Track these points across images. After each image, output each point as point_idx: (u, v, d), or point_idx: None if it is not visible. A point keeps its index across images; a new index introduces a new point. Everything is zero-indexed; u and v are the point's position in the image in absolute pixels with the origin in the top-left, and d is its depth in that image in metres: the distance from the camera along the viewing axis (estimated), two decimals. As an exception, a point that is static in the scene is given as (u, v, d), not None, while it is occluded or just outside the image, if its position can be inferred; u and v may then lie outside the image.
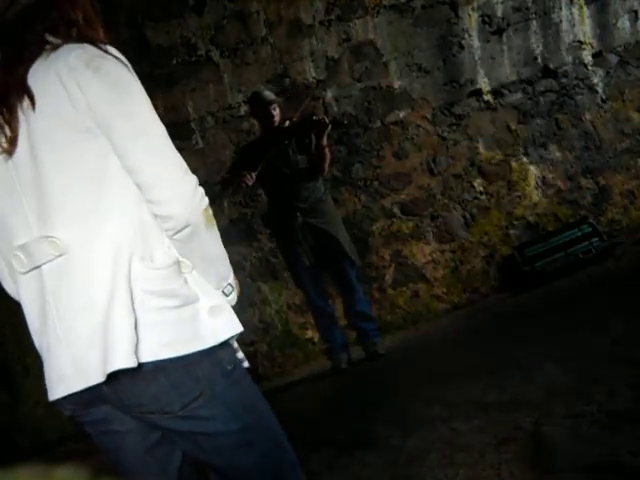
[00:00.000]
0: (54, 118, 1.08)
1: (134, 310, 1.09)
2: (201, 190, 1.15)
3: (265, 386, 4.13)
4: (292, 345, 4.75)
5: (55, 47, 1.11)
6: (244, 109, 4.70)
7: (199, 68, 4.65)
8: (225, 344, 1.19)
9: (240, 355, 1.28)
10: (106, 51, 1.12)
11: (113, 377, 1.08)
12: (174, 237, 1.14)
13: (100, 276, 1.09)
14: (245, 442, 1.18)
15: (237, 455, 1.18)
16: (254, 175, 3.82)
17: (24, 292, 1.17)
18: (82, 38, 1.14)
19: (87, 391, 1.12)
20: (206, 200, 1.16)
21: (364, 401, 3.31)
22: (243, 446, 1.18)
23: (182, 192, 1.11)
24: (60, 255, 1.09)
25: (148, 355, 1.10)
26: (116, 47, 1.15)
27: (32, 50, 1.11)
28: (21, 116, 1.10)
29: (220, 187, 4.19)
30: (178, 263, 1.16)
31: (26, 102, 1.09)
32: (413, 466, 2.38)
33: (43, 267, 1.11)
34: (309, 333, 4.76)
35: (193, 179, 1.14)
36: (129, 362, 1.07)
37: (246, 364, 1.27)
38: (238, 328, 1.21)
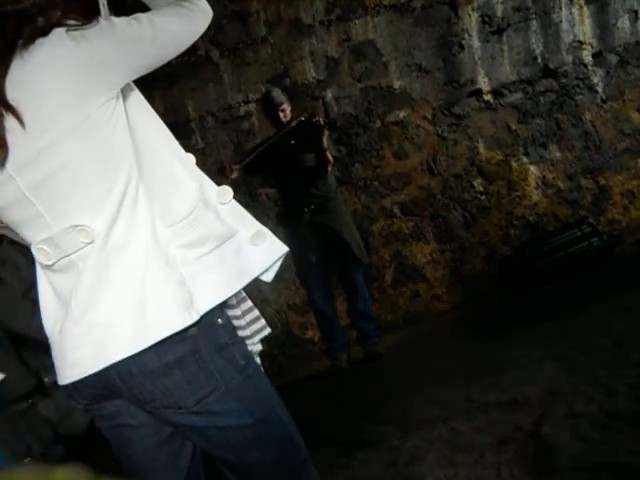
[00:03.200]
0: (49, 115, 1.02)
1: (175, 270, 1.10)
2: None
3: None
4: (292, 345, 4.75)
5: (26, 43, 1.03)
6: (244, 109, 4.71)
7: (199, 68, 4.65)
8: (238, 339, 1.19)
9: (262, 323, 1.28)
10: (76, 26, 1.06)
11: (127, 371, 1.08)
12: None
13: (127, 251, 1.08)
14: (258, 437, 1.17)
15: (250, 450, 1.18)
16: (236, 167, 3.89)
17: (44, 283, 1.16)
18: (54, 23, 1.05)
19: (101, 384, 1.11)
20: None
21: (364, 401, 3.31)
22: (256, 441, 1.17)
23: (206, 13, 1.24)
24: (92, 242, 1.07)
25: (206, 303, 1.11)
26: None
27: (4, 53, 1.03)
28: (11, 123, 1.02)
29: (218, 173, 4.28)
30: (202, 200, 1.16)
31: (10, 111, 1.01)
32: (413, 466, 2.38)
33: (72, 256, 1.09)
34: (309, 333, 4.76)
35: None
36: (183, 321, 1.08)
37: (258, 360, 1.27)
38: (282, 249, 1.22)
